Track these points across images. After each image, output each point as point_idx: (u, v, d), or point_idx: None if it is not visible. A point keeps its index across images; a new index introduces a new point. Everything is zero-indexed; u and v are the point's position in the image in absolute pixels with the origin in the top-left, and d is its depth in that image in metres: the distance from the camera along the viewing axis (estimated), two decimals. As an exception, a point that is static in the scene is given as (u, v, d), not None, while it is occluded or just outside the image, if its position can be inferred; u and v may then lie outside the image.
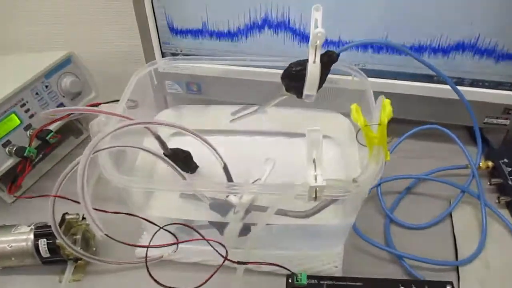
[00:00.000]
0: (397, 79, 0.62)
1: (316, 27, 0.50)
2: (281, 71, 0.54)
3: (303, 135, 0.65)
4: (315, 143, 0.40)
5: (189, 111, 0.67)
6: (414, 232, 0.57)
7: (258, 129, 0.66)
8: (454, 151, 0.63)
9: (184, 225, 0.51)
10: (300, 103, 0.55)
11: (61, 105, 0.65)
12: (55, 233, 0.47)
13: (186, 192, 0.43)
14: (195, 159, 0.60)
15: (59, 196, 0.46)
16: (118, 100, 0.54)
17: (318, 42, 0.51)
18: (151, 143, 0.55)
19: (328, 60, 0.53)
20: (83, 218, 0.55)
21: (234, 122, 0.63)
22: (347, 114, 0.65)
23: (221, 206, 0.51)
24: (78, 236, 0.54)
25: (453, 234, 0.57)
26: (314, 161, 0.41)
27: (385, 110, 0.43)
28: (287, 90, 0.56)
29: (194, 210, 0.54)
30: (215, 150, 0.53)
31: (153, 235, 0.47)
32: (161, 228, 0.51)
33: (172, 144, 0.65)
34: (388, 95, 0.45)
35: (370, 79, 0.60)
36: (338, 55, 0.54)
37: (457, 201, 0.59)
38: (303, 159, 0.63)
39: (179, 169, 0.53)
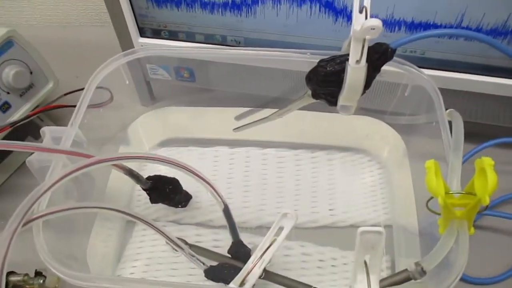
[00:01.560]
0: (470, 73, 0.44)
1: (363, 7, 0.33)
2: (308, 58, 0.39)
3: (331, 149, 0.49)
4: (370, 247, 0.24)
5: (180, 114, 0.50)
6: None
7: (272, 139, 0.50)
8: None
9: None
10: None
11: (6, 104, 0.48)
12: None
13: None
14: (187, 183, 0.44)
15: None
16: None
17: (367, 36, 0.33)
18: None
19: (378, 59, 0.36)
20: (37, 274, 0.41)
21: (238, 131, 0.47)
22: (391, 113, 0.49)
23: (221, 275, 0.37)
24: (29, 301, 0.40)
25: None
26: (366, 267, 0.25)
27: (484, 178, 0.26)
28: (314, 96, 0.39)
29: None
30: (213, 188, 0.37)
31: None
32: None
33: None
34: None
35: (430, 71, 0.43)
36: (395, 50, 0.36)
37: (541, 246, 0.44)
38: (331, 182, 0.48)
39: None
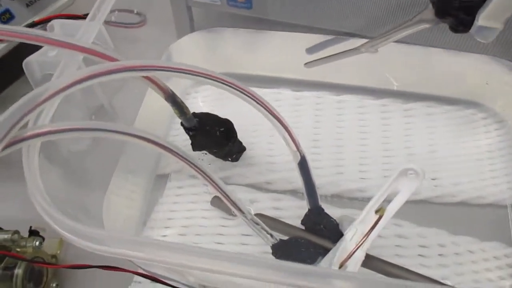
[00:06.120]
0: None
1: None
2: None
3: (431, 99, 0.36)
4: None
5: (232, 40, 0.38)
6: None
7: (351, 83, 0.38)
8: None
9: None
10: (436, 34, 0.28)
11: (8, 13, 0.37)
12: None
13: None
14: (239, 131, 0.32)
15: None
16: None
17: None
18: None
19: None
20: (32, 234, 0.30)
21: (310, 66, 0.35)
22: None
23: (297, 253, 0.25)
24: (18, 270, 0.29)
25: None
26: None
27: None
28: (439, 13, 0.27)
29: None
30: (288, 132, 0.26)
31: None
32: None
33: (197, 101, 0.38)
34: None
35: None
36: None
37: None
38: (432, 143, 0.34)
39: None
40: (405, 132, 0.35)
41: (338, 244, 0.23)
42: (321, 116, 0.36)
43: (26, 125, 0.18)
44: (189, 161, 0.23)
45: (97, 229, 0.18)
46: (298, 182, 0.33)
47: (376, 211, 0.24)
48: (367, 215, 0.23)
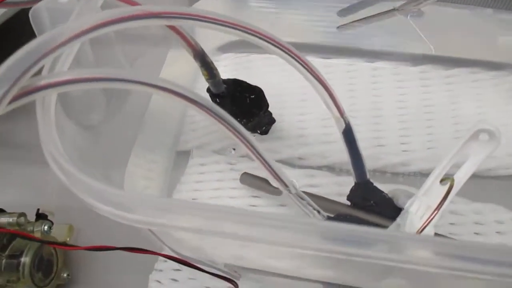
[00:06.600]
0: None
1: None
2: None
3: (476, 65, 0.33)
4: None
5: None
6: None
7: (386, 48, 0.34)
8: None
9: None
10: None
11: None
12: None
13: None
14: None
15: None
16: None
17: None
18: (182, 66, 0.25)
19: None
20: (40, 218, 0.27)
21: (344, 30, 0.32)
22: None
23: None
24: (25, 259, 0.25)
25: None
26: None
27: None
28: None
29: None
30: (332, 96, 0.23)
31: None
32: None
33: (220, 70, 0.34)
34: None
35: None
36: None
37: None
38: (480, 111, 0.30)
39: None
40: (449, 100, 0.32)
41: (399, 219, 0.20)
42: (355, 85, 0.33)
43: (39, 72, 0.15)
44: (224, 120, 0.19)
45: (122, 191, 0.15)
46: (333, 156, 0.30)
47: (441, 181, 0.21)
48: (432, 187, 0.20)
